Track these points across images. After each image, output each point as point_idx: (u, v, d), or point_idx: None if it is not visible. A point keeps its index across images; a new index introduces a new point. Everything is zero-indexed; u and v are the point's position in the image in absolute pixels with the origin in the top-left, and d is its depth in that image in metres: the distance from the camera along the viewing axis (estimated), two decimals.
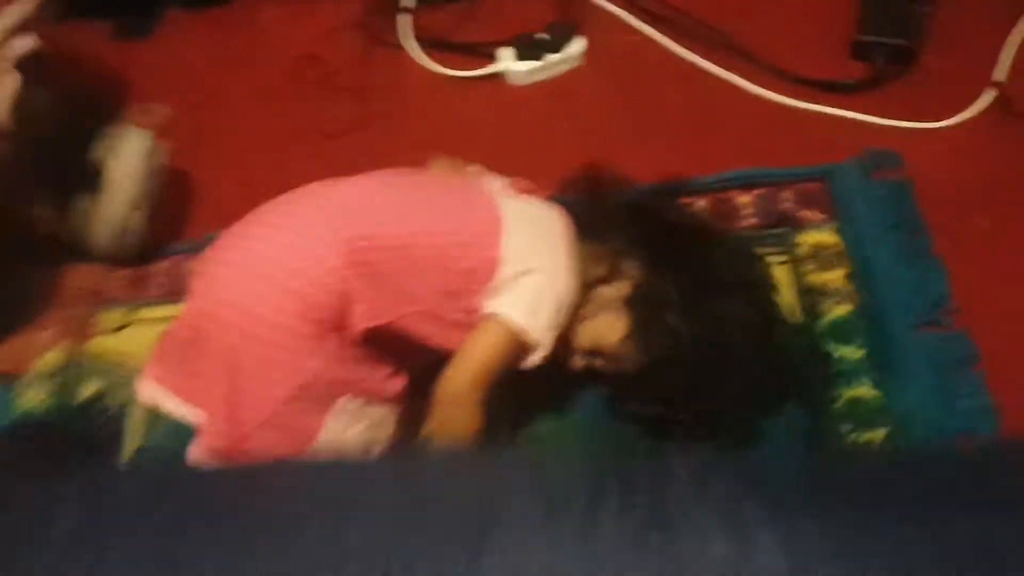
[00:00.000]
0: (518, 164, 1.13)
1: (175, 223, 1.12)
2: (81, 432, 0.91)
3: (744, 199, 1.04)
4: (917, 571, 0.43)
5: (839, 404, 0.88)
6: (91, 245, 1.05)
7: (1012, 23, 1.14)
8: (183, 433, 0.79)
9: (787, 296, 0.95)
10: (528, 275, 0.79)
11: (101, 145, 1.01)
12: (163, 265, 1.09)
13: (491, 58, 1.21)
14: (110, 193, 0.99)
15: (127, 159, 1.00)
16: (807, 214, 1.02)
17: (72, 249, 1.06)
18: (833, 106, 1.12)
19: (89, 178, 0.99)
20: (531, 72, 1.20)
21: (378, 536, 0.47)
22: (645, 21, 1.23)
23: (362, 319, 0.76)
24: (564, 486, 0.48)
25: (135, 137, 1.03)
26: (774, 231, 1.01)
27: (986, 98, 1.09)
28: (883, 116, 1.10)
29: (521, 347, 0.79)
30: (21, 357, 1.03)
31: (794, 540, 0.44)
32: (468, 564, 0.46)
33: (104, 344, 1.04)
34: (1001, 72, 1.10)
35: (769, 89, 1.15)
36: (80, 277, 1.08)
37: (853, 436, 0.86)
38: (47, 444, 0.87)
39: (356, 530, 0.47)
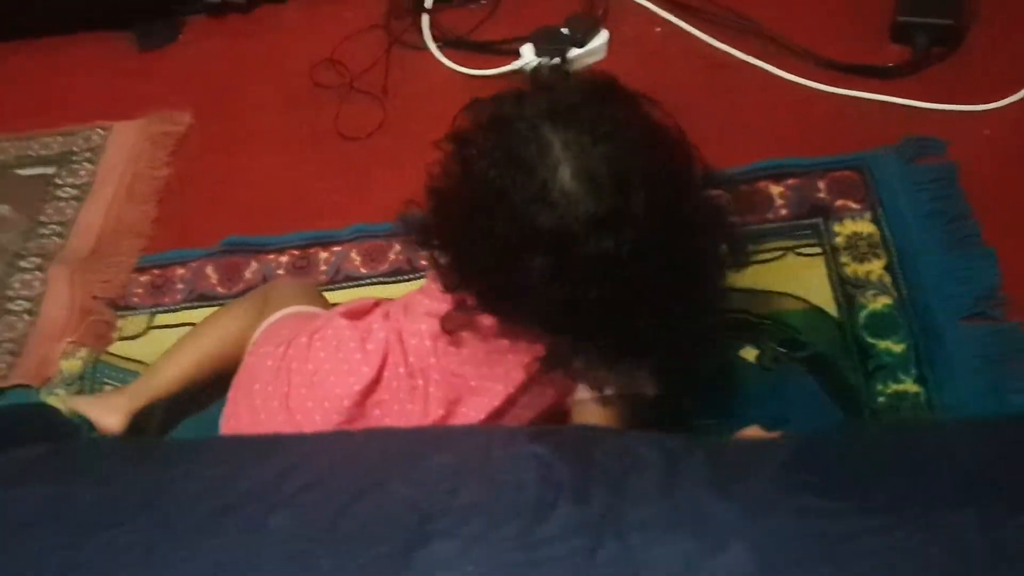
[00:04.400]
0: None
1: (195, 227, 1.11)
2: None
3: (776, 189, 1.00)
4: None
5: (882, 400, 0.83)
6: None
7: None
8: None
9: (823, 288, 0.91)
10: None
11: None
12: (183, 271, 1.08)
13: (515, 55, 1.18)
14: None
15: None
16: (843, 203, 0.97)
17: None
18: (871, 91, 1.06)
19: None
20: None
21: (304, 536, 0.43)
22: (670, 11, 1.19)
23: None
24: (513, 482, 0.43)
25: None
26: (807, 221, 0.96)
27: None
28: (924, 100, 1.04)
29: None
30: (42, 368, 1.02)
31: (765, 543, 0.39)
32: None
33: (123, 349, 1.03)
34: None
35: (802, 76, 1.09)
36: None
37: None
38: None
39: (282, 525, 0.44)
